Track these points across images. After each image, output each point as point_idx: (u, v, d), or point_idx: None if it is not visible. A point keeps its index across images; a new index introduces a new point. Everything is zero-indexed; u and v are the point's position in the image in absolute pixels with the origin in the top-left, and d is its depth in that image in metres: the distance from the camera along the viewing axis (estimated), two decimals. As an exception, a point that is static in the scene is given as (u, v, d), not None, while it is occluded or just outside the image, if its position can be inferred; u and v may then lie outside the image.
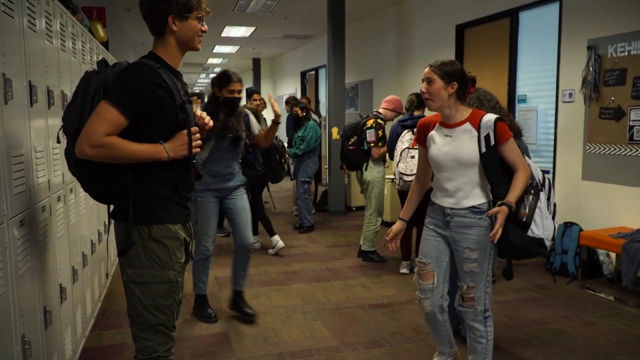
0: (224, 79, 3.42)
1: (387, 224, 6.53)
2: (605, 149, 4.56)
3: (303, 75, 13.10)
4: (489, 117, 2.36)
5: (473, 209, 2.37)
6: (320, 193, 8.17)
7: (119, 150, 1.76)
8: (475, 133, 2.34)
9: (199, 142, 1.95)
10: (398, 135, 4.48)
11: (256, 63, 15.97)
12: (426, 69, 2.39)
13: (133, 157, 1.80)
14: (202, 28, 1.97)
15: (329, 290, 4.35)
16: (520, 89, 5.69)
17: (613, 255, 4.41)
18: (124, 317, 3.67)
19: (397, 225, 2.63)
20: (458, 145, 2.36)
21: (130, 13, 8.51)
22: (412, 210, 2.67)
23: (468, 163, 2.34)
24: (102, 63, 1.91)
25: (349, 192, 7.94)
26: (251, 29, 10.38)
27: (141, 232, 1.87)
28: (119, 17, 8.72)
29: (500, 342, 3.25)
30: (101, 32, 4.85)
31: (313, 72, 12.43)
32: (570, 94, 4.91)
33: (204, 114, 2.10)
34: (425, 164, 2.56)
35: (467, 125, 2.38)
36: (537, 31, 5.47)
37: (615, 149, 4.46)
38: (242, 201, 3.60)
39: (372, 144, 4.94)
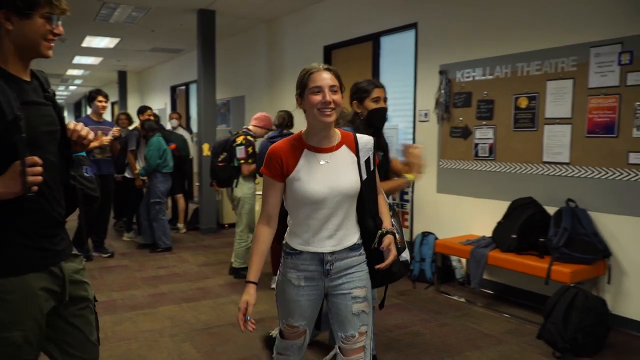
0: (362, 90, 2.71)
1: (260, 240, 6.53)
2: (455, 164, 5.02)
3: (173, 89, 12.74)
4: (366, 139, 2.05)
5: (353, 247, 2.01)
6: (191, 211, 7.96)
7: None
8: (355, 157, 2.00)
9: (37, 171, 1.47)
10: (268, 151, 4.53)
11: (122, 76, 15.21)
12: (326, 75, 1.93)
13: None
14: (54, 30, 1.55)
15: (199, 310, 4.24)
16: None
17: (464, 260, 4.84)
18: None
19: (252, 295, 1.95)
20: (341, 173, 1.96)
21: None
22: (261, 267, 2.02)
23: (352, 194, 1.97)
24: None
25: (221, 210, 7.83)
26: (115, 40, 9.89)
27: None
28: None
29: (366, 349, 3.40)
30: None
31: (184, 87, 12.15)
32: (426, 114, 5.34)
33: (80, 125, 1.70)
34: (279, 203, 2.02)
35: (344, 148, 2.01)
36: (396, 55, 5.89)
37: (464, 164, 4.93)
38: None
39: (242, 161, 4.94)
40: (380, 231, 2.03)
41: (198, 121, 7.69)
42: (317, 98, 1.90)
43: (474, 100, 4.82)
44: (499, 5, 4.55)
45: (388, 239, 2.01)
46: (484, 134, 4.73)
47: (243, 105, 9.15)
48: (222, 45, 8.33)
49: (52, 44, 1.59)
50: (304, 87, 1.97)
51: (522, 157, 4.41)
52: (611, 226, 3.83)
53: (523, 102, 4.37)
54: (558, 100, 4.12)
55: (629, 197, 3.70)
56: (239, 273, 5.15)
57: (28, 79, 1.61)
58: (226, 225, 7.82)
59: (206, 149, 7.34)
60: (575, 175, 4.03)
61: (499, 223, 4.33)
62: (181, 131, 8.11)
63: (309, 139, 1.98)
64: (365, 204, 2.03)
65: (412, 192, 5.51)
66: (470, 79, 4.86)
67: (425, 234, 5.14)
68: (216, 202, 7.63)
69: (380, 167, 2.51)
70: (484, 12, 4.70)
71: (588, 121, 3.92)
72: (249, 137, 5.01)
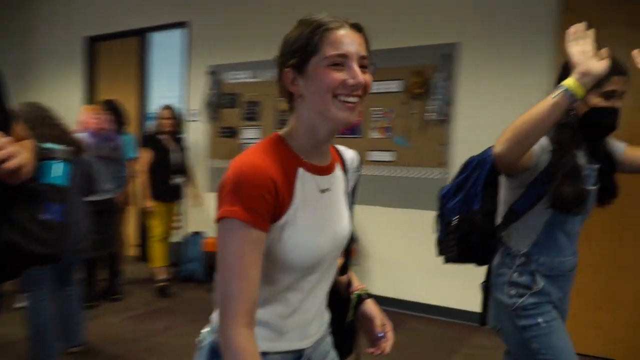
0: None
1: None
2: (225, 163, 5.10)
3: None
4: (352, 154, 1.29)
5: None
6: None
7: None
8: (346, 183, 1.25)
9: None
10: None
11: None
12: (354, 36, 1.04)
13: None
14: None
15: None
16: (152, 106, 5.86)
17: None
18: None
19: None
20: (338, 211, 1.18)
21: None
22: None
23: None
24: None
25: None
26: None
27: None
28: None
29: (126, 354, 3.24)
30: None
31: None
32: (196, 114, 5.32)
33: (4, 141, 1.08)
34: (259, 271, 1.01)
35: (338, 168, 1.22)
36: (167, 53, 5.75)
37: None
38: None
39: None
40: (356, 293, 1.32)
41: None
42: (338, 77, 1.02)
43: (241, 101, 4.97)
44: (268, 10, 4.79)
45: (377, 312, 1.31)
46: (250, 134, 4.91)
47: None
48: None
49: None
50: (309, 53, 1.04)
51: (285, 157, 4.69)
52: (356, 215, 4.32)
53: (284, 105, 4.65)
54: (314, 104, 4.50)
55: (368, 189, 4.23)
56: None
57: None
58: None
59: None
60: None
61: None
62: None
63: (304, 150, 1.10)
64: (345, 253, 1.32)
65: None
66: (238, 81, 5.00)
67: (194, 234, 5.11)
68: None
69: (605, 190, 1.79)
70: (253, 16, 4.89)
71: (338, 124, 4.37)
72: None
